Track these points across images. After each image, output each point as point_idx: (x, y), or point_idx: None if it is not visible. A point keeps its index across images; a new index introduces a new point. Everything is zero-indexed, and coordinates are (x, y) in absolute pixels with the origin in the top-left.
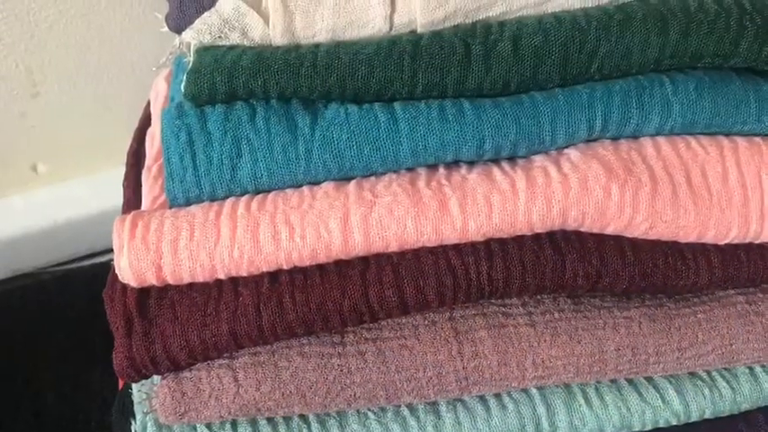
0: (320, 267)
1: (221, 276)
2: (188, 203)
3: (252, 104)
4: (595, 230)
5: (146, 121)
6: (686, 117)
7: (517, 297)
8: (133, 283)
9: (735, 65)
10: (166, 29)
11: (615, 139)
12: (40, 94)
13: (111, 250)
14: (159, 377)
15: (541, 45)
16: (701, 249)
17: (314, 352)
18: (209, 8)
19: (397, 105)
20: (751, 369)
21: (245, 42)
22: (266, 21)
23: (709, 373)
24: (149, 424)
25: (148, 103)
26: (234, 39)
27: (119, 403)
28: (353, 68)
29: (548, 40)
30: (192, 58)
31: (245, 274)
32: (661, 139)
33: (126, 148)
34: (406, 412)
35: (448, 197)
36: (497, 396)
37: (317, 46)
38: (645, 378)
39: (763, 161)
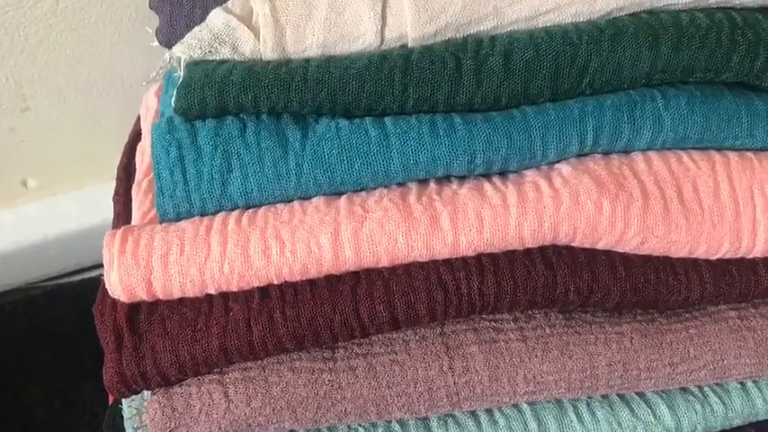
0: (311, 282)
1: (212, 291)
2: (178, 218)
3: (242, 119)
4: (587, 245)
5: (136, 136)
6: (678, 132)
7: (508, 312)
8: (123, 298)
9: (726, 79)
10: (157, 43)
11: (606, 153)
12: (29, 109)
13: (100, 265)
14: (149, 392)
15: (532, 60)
16: (692, 264)
17: (304, 367)
18: (200, 23)
19: (387, 120)
20: (743, 384)
21: (236, 57)
22: (257, 35)
23: (700, 388)
24: None
25: (138, 118)
26: (224, 53)
27: (109, 418)
28: (344, 83)
29: (539, 55)
30: (182, 73)
31: (235, 290)
32: (652, 154)
33: (116, 162)
34: (396, 428)
35: (439, 212)
36: (489, 411)
37: (307, 61)
38: (636, 393)
39: (755, 176)
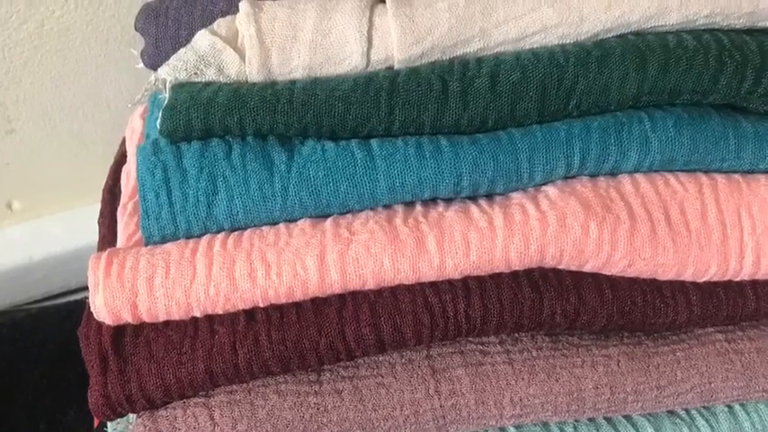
0: (297, 305)
1: (197, 314)
2: (164, 241)
3: (228, 141)
4: (573, 268)
5: (121, 158)
6: (665, 154)
7: (495, 335)
8: (108, 321)
9: (714, 101)
10: (142, 65)
11: (593, 175)
12: (14, 131)
13: (85, 288)
14: (135, 415)
15: (519, 81)
16: (679, 287)
17: (290, 390)
18: (185, 44)
19: (374, 142)
20: (730, 407)
21: (221, 79)
22: (242, 57)
23: (688, 411)
24: None
25: (124, 140)
26: (210, 75)
27: None
28: (330, 105)
29: (525, 77)
30: (167, 95)
31: (221, 312)
32: (640, 176)
33: (101, 185)
34: None
35: (425, 234)
36: None
37: (293, 82)
38: (623, 416)
39: (742, 198)
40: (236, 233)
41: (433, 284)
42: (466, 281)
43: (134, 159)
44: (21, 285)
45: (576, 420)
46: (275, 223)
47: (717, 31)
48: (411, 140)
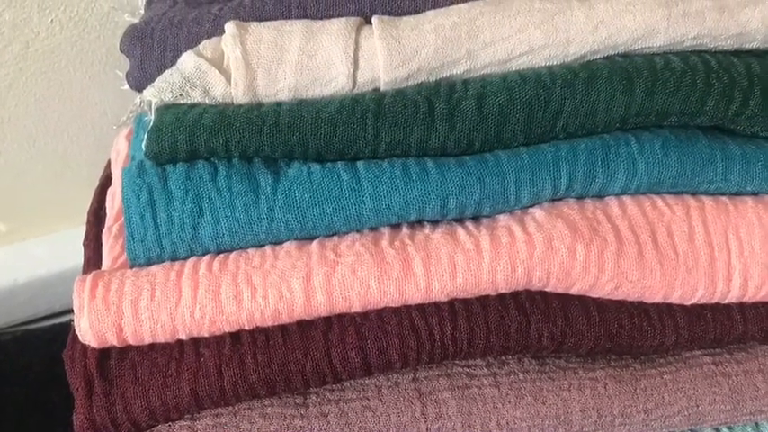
0: (283, 328)
1: (183, 337)
2: (149, 263)
3: (214, 163)
4: (560, 290)
5: (106, 181)
6: (652, 176)
7: (481, 358)
8: (93, 344)
9: (701, 123)
10: (127, 87)
11: (580, 198)
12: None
13: (71, 310)
14: None
15: (506, 103)
16: (666, 309)
17: (276, 413)
18: (171, 66)
19: (360, 164)
20: (717, 430)
21: (207, 101)
22: (228, 79)
23: None
24: None
25: (109, 162)
26: (195, 97)
27: None
28: (316, 127)
29: (512, 99)
30: (152, 117)
31: (206, 335)
32: (627, 199)
33: (87, 207)
34: None
35: (411, 257)
36: None
37: (279, 104)
38: None
39: (730, 221)
40: (221, 255)
41: (419, 307)
42: (452, 303)
43: (119, 182)
44: (5, 308)
45: None
46: (261, 245)
47: (704, 52)
48: (397, 163)
